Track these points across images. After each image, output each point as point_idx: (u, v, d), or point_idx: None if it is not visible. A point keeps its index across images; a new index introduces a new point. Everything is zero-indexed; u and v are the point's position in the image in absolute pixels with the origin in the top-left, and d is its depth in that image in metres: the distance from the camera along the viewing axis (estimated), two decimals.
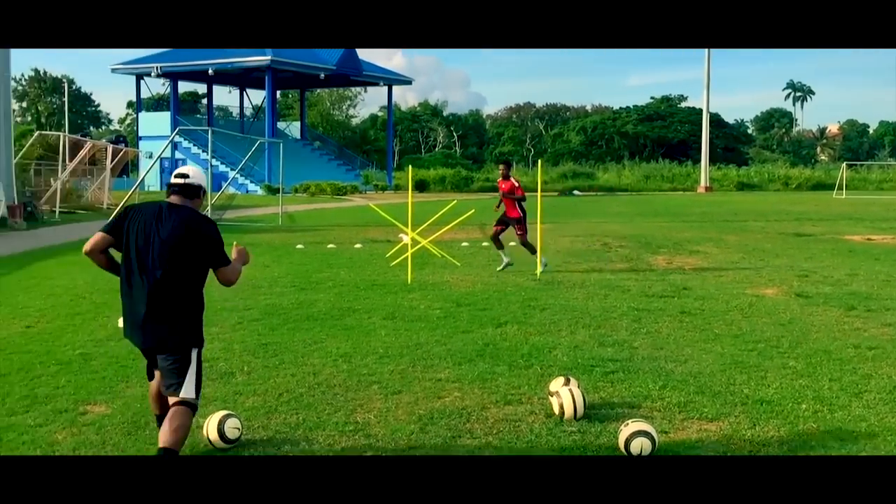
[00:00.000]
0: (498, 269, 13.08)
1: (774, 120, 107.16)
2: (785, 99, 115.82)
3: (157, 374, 4.82)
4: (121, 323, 8.55)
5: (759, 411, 5.74)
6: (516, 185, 13.17)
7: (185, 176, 4.68)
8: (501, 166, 13.55)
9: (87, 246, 4.62)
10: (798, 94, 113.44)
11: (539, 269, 12.56)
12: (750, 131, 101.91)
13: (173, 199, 4.65)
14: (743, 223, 24.29)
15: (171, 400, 4.58)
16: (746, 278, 12.35)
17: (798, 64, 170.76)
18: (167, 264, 4.47)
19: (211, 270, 4.69)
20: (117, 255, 4.71)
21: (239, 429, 4.99)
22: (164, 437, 4.42)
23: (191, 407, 4.57)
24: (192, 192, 4.69)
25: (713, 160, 62.97)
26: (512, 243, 14.33)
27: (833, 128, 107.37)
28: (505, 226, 13.28)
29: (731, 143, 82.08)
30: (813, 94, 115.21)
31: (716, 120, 75.40)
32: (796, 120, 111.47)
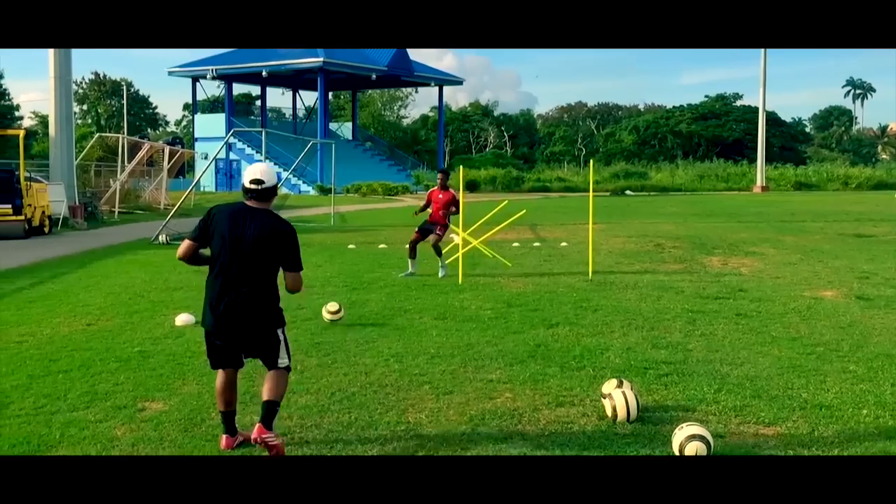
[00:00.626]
0: (401, 274, 12.52)
1: (833, 118, 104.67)
2: (844, 96, 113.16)
3: (222, 372, 5.00)
4: (180, 321, 8.76)
5: (818, 416, 5.62)
6: (457, 197, 12.51)
7: (260, 182, 4.89)
8: (440, 175, 12.80)
9: (178, 253, 5.01)
10: (858, 91, 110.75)
11: (440, 273, 12.35)
12: (808, 130, 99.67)
13: (251, 203, 4.92)
14: (801, 224, 23.76)
15: (271, 369, 5.00)
16: (805, 280, 12.08)
17: (857, 60, 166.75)
18: (254, 262, 4.79)
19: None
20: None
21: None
22: (268, 391, 4.90)
23: (287, 370, 5.05)
24: (269, 195, 4.96)
25: (769, 159, 61.70)
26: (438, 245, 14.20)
27: (895, 126, 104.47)
28: (425, 234, 12.57)
29: (789, 142, 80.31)
30: (874, 91, 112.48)
31: (772, 118, 73.87)
32: (856, 118, 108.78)
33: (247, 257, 4.78)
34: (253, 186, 4.88)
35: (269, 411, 4.90)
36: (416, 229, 12.77)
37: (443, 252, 12.77)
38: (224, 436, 5.07)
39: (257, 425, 4.86)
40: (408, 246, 12.88)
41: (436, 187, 12.84)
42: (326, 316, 8.84)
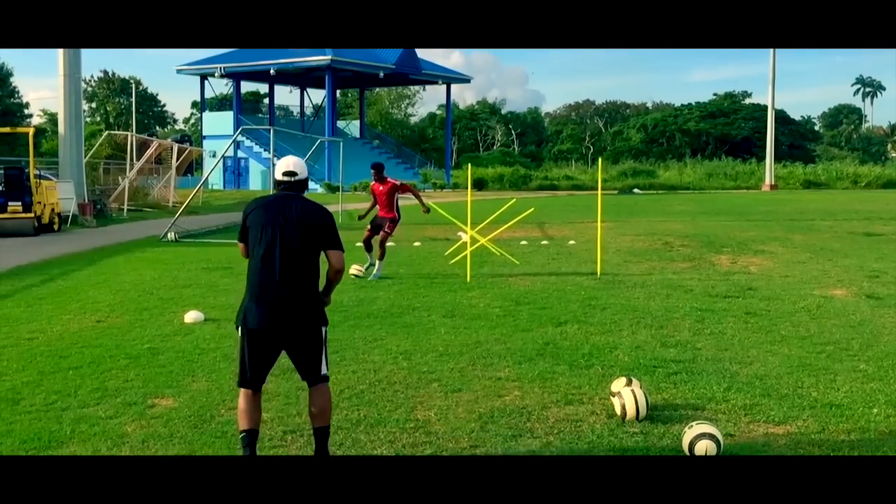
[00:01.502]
0: (368, 275, 12.21)
1: (843, 116, 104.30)
2: (854, 95, 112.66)
3: (246, 392, 4.74)
4: (189, 318, 8.78)
5: (829, 415, 5.60)
6: (397, 183, 12.61)
7: (293, 174, 4.89)
8: (373, 171, 12.77)
9: (242, 254, 4.95)
10: (868, 89, 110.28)
11: (372, 272, 12.17)
12: (817, 128, 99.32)
13: (287, 192, 4.89)
14: (810, 222, 23.67)
15: (312, 381, 4.77)
16: (814, 279, 12.04)
17: (867, 59, 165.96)
18: (299, 251, 4.71)
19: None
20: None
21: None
22: (320, 416, 4.72)
23: (327, 380, 4.83)
24: (301, 186, 4.93)
25: (778, 158, 61.46)
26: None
27: None
28: (377, 230, 12.47)
29: (798, 141, 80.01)
30: (883, 89, 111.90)
31: (781, 116, 73.56)
32: (866, 116, 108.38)
33: (290, 241, 4.69)
34: (286, 178, 4.87)
35: (323, 438, 4.75)
36: (368, 227, 12.67)
37: (385, 250, 12.50)
38: None
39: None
40: (361, 244, 12.88)
41: (374, 182, 12.78)
42: (352, 272, 9.62)
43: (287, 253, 4.68)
